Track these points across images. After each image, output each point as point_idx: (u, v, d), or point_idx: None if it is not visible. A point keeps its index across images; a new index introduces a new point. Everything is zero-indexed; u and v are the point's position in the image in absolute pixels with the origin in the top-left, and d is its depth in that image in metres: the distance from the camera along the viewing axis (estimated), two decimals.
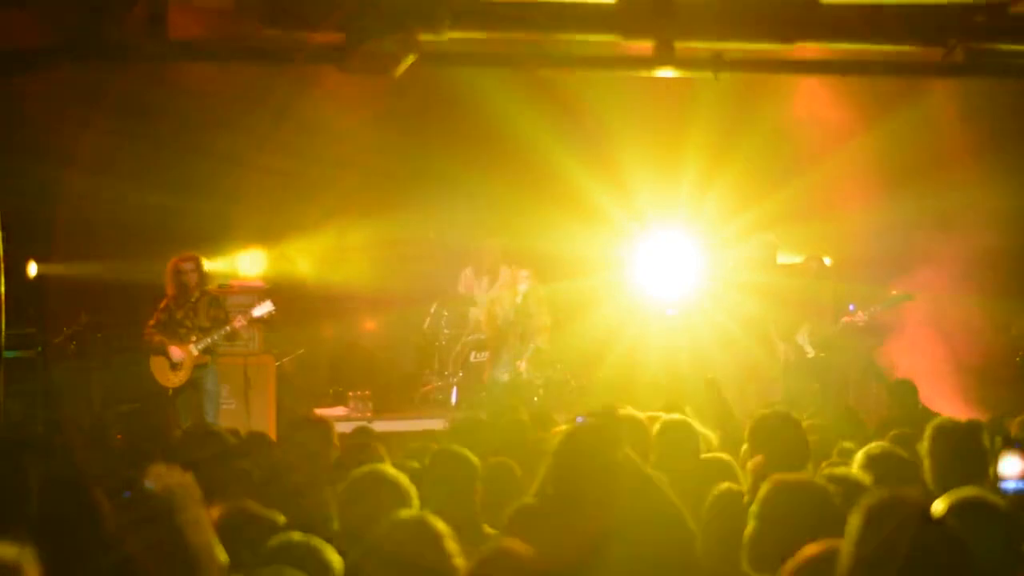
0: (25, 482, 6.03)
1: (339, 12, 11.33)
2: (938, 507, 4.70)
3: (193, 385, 14.25)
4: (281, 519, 5.89)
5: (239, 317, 14.36)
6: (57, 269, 16.65)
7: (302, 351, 16.92)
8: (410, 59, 11.31)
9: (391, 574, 4.85)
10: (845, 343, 15.33)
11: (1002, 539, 4.66)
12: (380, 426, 15.40)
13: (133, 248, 16.48)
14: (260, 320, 14.57)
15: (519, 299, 14.56)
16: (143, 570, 4.59)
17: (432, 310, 17.56)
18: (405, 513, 5.19)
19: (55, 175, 16.33)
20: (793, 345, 15.08)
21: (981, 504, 4.80)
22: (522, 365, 14.61)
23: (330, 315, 14.83)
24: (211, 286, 14.64)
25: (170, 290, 14.41)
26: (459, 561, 4.94)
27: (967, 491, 4.99)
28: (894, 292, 15.51)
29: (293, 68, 15.61)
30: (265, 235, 16.75)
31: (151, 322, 14.39)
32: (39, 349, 15.93)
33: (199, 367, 14.25)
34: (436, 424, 14.97)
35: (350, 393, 16.91)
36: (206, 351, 14.23)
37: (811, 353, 14.95)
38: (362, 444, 7.89)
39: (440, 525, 5.04)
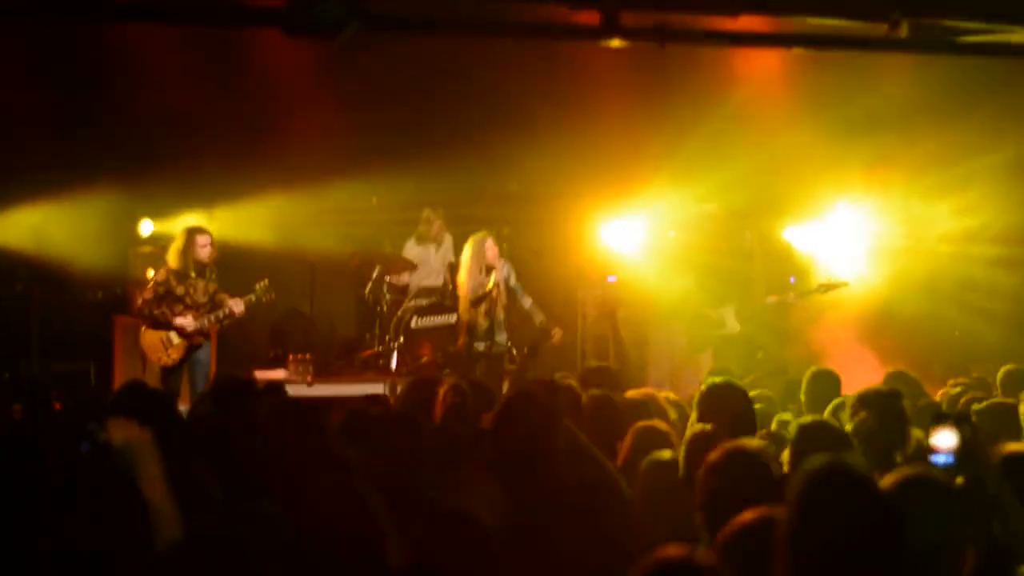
0: None
1: None
2: (884, 482, 4.74)
3: (187, 363, 13.81)
4: None
5: (237, 301, 14.03)
6: None
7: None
8: (354, 24, 11.27)
9: (320, 541, 4.83)
10: (772, 320, 15.40)
11: (945, 517, 4.72)
12: (320, 390, 15.45)
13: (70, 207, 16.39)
14: (260, 302, 14.26)
15: (499, 271, 14.68)
16: (99, 525, 4.58)
17: (374, 275, 17.49)
18: (331, 478, 5.14)
19: None
20: (717, 319, 15.16)
21: (927, 481, 4.85)
22: (502, 336, 14.79)
23: (271, 279, 14.75)
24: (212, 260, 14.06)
25: (175, 262, 13.82)
26: (386, 527, 4.90)
27: (914, 467, 5.05)
28: (829, 278, 15.62)
29: (239, 32, 15.63)
30: (208, 199, 16.64)
31: (146, 295, 13.77)
32: None
33: (194, 348, 13.81)
34: (376, 389, 14.98)
35: (290, 357, 16.87)
36: (201, 331, 13.85)
37: (735, 328, 15.04)
38: None
39: (367, 491, 5.00)
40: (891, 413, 7.56)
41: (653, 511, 6.08)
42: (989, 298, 16.67)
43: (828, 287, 15.39)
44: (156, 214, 16.36)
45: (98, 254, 16.39)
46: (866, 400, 7.73)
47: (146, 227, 16.34)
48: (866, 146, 16.51)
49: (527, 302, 15.30)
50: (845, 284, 15.45)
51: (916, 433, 7.39)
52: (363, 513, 4.91)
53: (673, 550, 3.94)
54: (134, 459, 4.83)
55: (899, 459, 6.82)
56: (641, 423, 7.56)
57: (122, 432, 4.87)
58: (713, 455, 5.59)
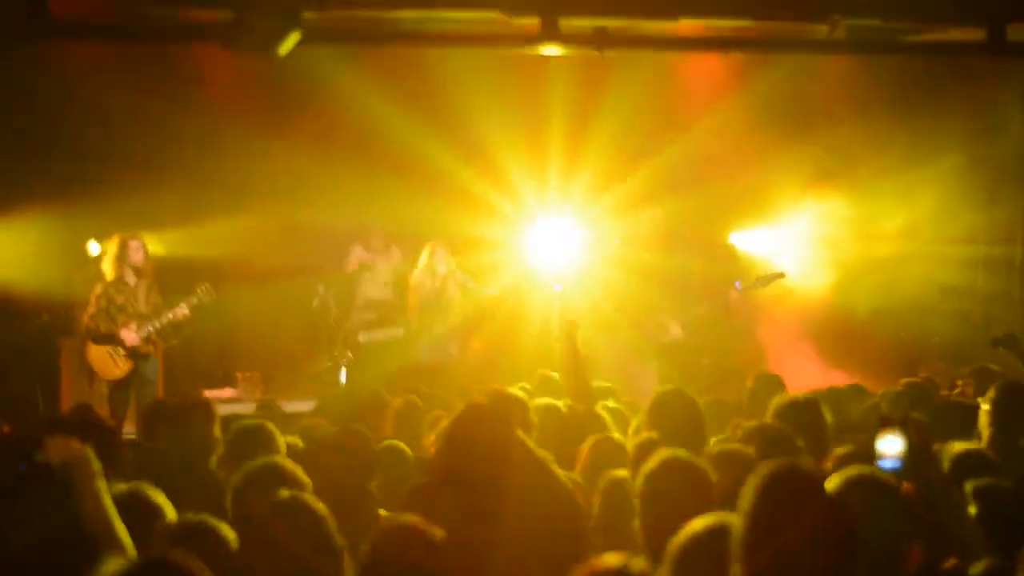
0: None
1: None
2: (831, 483, 4.75)
3: (136, 376, 13.67)
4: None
5: (181, 305, 13.94)
6: None
7: (190, 332, 16.73)
8: (294, 37, 11.24)
9: (273, 556, 4.81)
10: (716, 325, 15.38)
11: (891, 516, 4.73)
12: None
13: None
14: (202, 305, 14.17)
15: (438, 281, 14.70)
16: (42, 544, 4.55)
17: (320, 291, 17.36)
18: (284, 493, 5.11)
19: None
20: (660, 325, 15.14)
21: (873, 481, 4.86)
22: (453, 347, 14.86)
23: (219, 298, 14.63)
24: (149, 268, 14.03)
25: (112, 273, 13.76)
26: (340, 541, 4.89)
27: (859, 468, 5.06)
28: (766, 270, 15.65)
29: (178, 48, 15.54)
30: (154, 219, 16.46)
31: (90, 310, 13.71)
32: None
33: (141, 358, 13.70)
34: None
35: (238, 374, 16.77)
36: (148, 340, 13.75)
37: (679, 335, 15.01)
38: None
39: (319, 506, 4.98)
40: (809, 422, 7.54)
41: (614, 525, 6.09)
42: (939, 298, 16.73)
43: (767, 279, 15.37)
44: (101, 235, 16.16)
45: (43, 277, 16.17)
46: (781, 411, 7.70)
47: (93, 248, 16.16)
48: (816, 149, 16.57)
49: (494, 291, 15.37)
50: (782, 275, 15.43)
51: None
52: (317, 530, 4.89)
53: (610, 559, 3.92)
54: (74, 478, 4.79)
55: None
56: (599, 435, 7.55)
57: (61, 451, 4.83)
58: (649, 463, 5.59)
